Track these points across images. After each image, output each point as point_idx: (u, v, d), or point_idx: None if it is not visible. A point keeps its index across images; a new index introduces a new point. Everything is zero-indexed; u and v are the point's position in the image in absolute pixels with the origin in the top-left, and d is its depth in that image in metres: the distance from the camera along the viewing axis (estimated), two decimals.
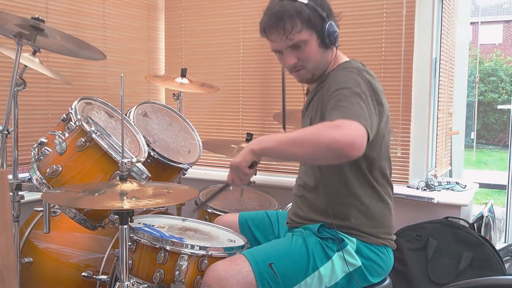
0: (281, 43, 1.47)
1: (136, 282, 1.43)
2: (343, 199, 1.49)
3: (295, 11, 1.43)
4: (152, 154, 1.97)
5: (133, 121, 2.02)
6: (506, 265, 2.48)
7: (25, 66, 1.78)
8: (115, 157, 1.55)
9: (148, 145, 1.91)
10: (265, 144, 1.31)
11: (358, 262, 1.47)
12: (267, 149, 1.31)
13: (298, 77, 1.56)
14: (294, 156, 1.32)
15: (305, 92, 1.70)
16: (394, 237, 1.57)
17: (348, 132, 1.20)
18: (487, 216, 2.76)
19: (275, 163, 2.86)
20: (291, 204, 1.70)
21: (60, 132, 1.66)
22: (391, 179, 1.58)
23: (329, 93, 1.39)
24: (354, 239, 1.48)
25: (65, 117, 1.84)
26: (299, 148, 1.26)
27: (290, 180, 2.68)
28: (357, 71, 1.41)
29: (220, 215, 2.04)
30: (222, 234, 1.65)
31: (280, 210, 1.95)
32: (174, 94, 2.70)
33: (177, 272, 1.40)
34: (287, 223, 1.67)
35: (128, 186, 1.37)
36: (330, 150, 1.21)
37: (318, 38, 1.48)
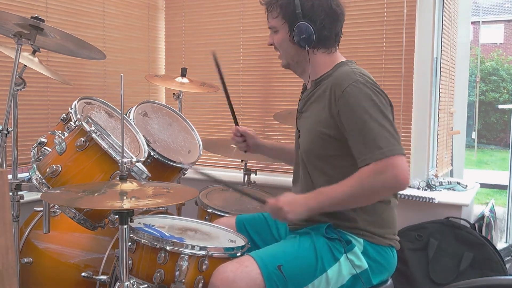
0: (267, 22, 1.59)
1: (136, 282, 1.42)
2: None
3: None
4: (152, 154, 1.96)
5: (133, 121, 2.01)
6: (507, 265, 2.47)
7: (25, 65, 1.77)
8: (115, 157, 1.55)
9: (148, 145, 1.91)
10: (320, 206, 1.41)
11: (364, 264, 1.47)
12: (322, 209, 1.44)
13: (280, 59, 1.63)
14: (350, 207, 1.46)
15: (302, 91, 1.69)
16: (398, 237, 1.57)
17: (396, 173, 1.32)
18: (488, 216, 2.75)
19: (275, 163, 2.85)
20: None
21: (60, 132, 1.66)
22: None
23: (345, 115, 1.40)
24: (361, 240, 1.47)
25: (64, 116, 1.84)
26: (355, 203, 1.42)
27: (290, 180, 2.67)
28: (363, 83, 1.41)
29: (220, 215, 2.04)
30: (222, 234, 1.64)
31: None
32: (174, 93, 2.69)
33: (177, 272, 1.39)
34: (288, 224, 1.66)
35: (128, 186, 1.36)
36: (388, 193, 1.46)
37: (289, 31, 1.51)
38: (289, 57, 1.58)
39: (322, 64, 1.55)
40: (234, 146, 2.42)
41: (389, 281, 1.56)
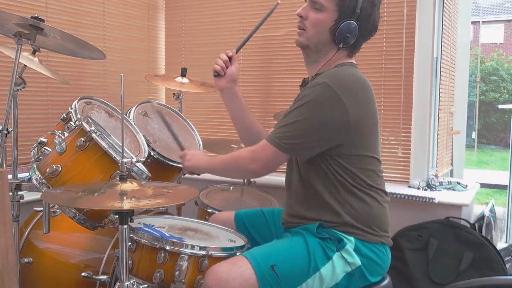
0: None
1: (136, 282, 1.42)
2: (333, 198, 1.49)
3: None
4: (152, 154, 1.96)
5: (133, 121, 2.01)
6: (507, 265, 2.47)
7: (25, 65, 1.77)
8: (115, 157, 1.55)
9: (148, 145, 1.91)
10: (208, 164, 1.66)
11: (357, 261, 1.46)
12: (198, 169, 1.70)
13: (297, 37, 1.58)
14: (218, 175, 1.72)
15: (300, 84, 1.69)
16: (390, 234, 1.57)
17: (259, 157, 1.51)
18: (488, 216, 2.75)
19: None
20: None
21: (60, 131, 1.66)
22: (383, 175, 1.59)
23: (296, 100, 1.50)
24: (352, 238, 1.48)
25: (65, 116, 1.83)
26: (222, 174, 1.69)
27: None
28: (329, 86, 1.42)
29: None
30: (222, 234, 1.65)
31: (276, 208, 1.93)
32: (174, 93, 2.69)
33: (177, 272, 1.40)
34: (282, 223, 1.66)
35: (128, 186, 1.36)
36: (242, 169, 1.58)
37: (335, 21, 1.48)
38: (313, 41, 1.54)
39: (334, 62, 1.55)
40: (235, 146, 2.42)
41: (387, 280, 1.56)
